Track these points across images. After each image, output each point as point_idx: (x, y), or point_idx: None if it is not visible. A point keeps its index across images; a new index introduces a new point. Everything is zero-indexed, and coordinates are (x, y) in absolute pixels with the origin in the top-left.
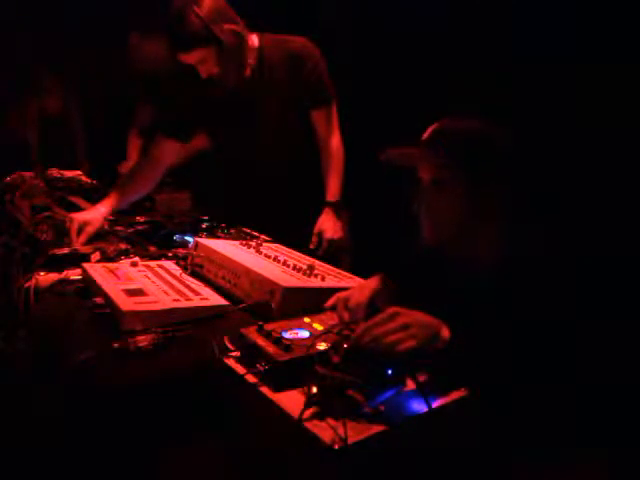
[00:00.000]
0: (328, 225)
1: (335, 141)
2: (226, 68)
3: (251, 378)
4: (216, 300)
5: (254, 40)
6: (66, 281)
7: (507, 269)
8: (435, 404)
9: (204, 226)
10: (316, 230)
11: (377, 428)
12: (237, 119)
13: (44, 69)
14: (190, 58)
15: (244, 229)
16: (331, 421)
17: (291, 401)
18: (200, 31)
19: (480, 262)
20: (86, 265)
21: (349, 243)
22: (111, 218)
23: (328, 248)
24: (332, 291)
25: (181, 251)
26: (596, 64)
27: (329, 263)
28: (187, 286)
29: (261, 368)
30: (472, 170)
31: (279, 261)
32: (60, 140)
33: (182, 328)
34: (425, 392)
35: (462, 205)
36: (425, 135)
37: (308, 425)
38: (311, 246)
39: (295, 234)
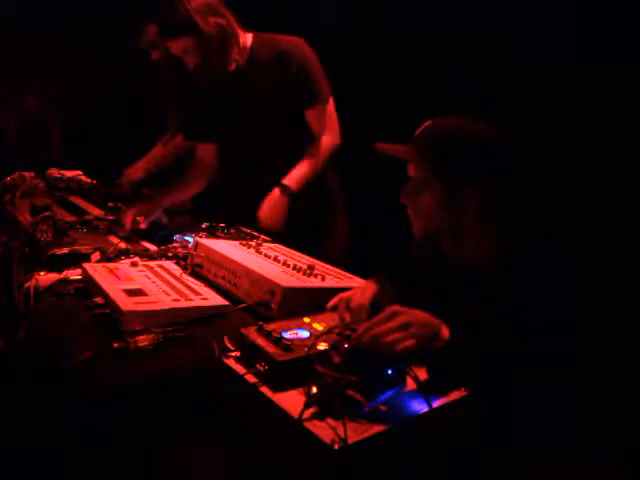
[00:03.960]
0: (265, 205)
1: (325, 139)
2: (207, 60)
3: (251, 378)
4: (216, 300)
5: (247, 39)
6: (66, 281)
7: (507, 269)
8: (435, 404)
9: (204, 226)
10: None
11: (377, 428)
12: (226, 116)
13: (24, 69)
14: (175, 46)
15: (244, 229)
16: (331, 421)
17: (291, 401)
18: (184, 20)
19: (479, 262)
20: (86, 265)
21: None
22: (111, 218)
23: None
24: (332, 291)
25: (181, 251)
26: (595, 64)
27: (330, 263)
28: (187, 286)
29: (261, 368)
30: (451, 173)
31: (279, 261)
32: (37, 139)
33: (182, 328)
34: (425, 392)
35: (442, 205)
36: (415, 133)
37: (308, 425)
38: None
39: (295, 234)
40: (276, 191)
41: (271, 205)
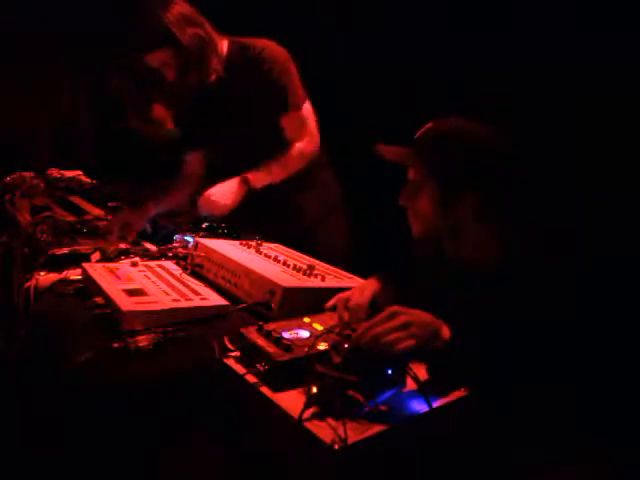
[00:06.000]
0: (219, 187)
1: (298, 145)
2: (186, 72)
3: (251, 378)
4: (216, 300)
5: (223, 45)
6: (66, 281)
7: (507, 269)
8: (435, 404)
9: (204, 226)
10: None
11: (377, 428)
12: (211, 125)
13: (58, 68)
14: (152, 59)
15: (244, 229)
16: (331, 421)
17: (291, 401)
18: (162, 33)
19: (479, 262)
20: (86, 265)
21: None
22: (110, 218)
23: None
24: (332, 291)
25: (181, 251)
26: (595, 63)
27: (330, 263)
28: (187, 286)
29: (261, 368)
30: (447, 175)
31: (279, 261)
32: (69, 139)
33: (182, 328)
34: (425, 392)
35: (438, 207)
36: (416, 135)
37: (308, 425)
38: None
39: (295, 234)
40: (236, 179)
41: (223, 187)
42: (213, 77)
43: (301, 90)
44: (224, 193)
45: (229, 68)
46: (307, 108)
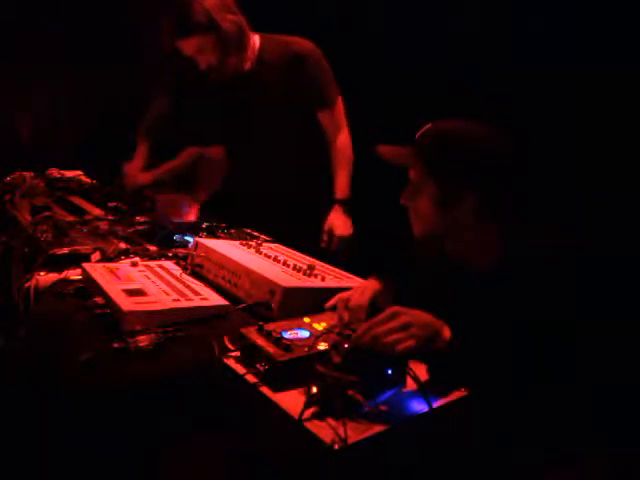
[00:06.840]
0: (338, 222)
1: (342, 139)
2: (225, 57)
3: (251, 378)
4: (216, 300)
5: (255, 40)
6: (66, 281)
7: (507, 269)
8: (435, 404)
9: (204, 226)
10: (326, 228)
11: (377, 428)
12: (235, 117)
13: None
14: (189, 45)
15: (244, 229)
16: (331, 421)
17: (291, 401)
18: (202, 17)
19: (479, 262)
20: (86, 265)
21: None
22: (111, 218)
23: (339, 245)
24: (332, 291)
25: (181, 251)
26: (594, 65)
27: (330, 263)
28: (187, 286)
29: (261, 368)
30: (446, 176)
31: (279, 261)
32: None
33: (182, 328)
34: (425, 392)
35: (437, 207)
36: (416, 135)
37: (308, 425)
38: (322, 244)
39: (295, 234)
40: (337, 207)
41: (341, 220)
42: (248, 65)
43: (336, 85)
44: (341, 225)
45: (261, 62)
46: (340, 102)
